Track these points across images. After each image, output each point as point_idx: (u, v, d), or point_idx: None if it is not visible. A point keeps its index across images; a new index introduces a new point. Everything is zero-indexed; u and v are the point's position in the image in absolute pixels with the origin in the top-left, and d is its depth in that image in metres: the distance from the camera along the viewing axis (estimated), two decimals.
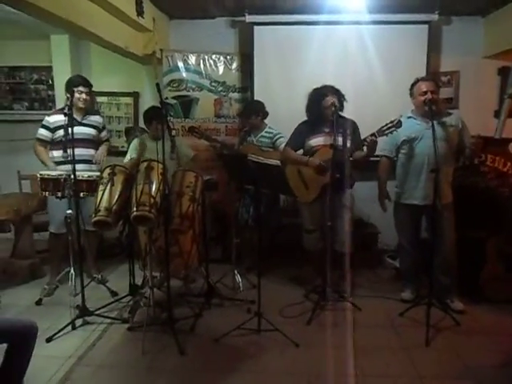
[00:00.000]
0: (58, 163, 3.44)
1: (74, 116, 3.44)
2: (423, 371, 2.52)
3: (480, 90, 4.43)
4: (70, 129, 2.95)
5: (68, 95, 3.35)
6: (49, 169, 3.37)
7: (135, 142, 3.85)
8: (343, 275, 3.39)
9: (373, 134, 3.10)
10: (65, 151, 3.02)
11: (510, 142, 3.97)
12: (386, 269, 4.19)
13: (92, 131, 3.63)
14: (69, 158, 2.95)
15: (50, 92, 4.89)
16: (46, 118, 3.54)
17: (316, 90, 3.38)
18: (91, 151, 3.62)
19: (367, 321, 3.13)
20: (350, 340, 2.82)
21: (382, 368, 2.57)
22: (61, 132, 3.36)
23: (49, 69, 4.74)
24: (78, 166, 3.25)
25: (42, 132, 3.53)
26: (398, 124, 3.02)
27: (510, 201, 3.78)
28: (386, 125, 3.05)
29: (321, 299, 3.24)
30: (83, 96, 3.48)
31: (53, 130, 3.49)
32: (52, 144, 3.54)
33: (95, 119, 3.68)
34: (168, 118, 3.73)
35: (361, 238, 4.04)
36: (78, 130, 3.45)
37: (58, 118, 3.43)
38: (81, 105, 3.50)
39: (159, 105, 2.84)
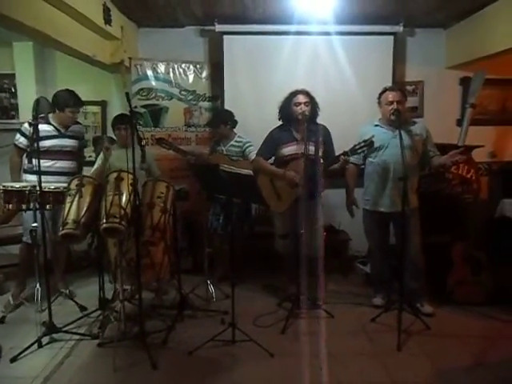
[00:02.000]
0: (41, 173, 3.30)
1: (58, 127, 3.46)
2: (396, 376, 2.56)
3: (443, 99, 4.60)
4: (36, 140, 2.88)
5: (56, 110, 3.35)
6: (16, 181, 3.28)
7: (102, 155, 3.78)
8: (315, 282, 3.41)
9: (345, 153, 3.15)
10: (30, 162, 2.94)
11: (472, 149, 4.12)
12: (357, 275, 4.25)
13: (73, 142, 3.57)
14: (34, 169, 2.87)
15: (12, 100, 4.72)
16: (25, 125, 3.41)
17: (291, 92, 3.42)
18: (72, 163, 3.56)
19: (340, 328, 3.16)
20: (324, 348, 2.83)
21: (356, 375, 2.59)
22: (46, 142, 3.32)
23: (11, 76, 4.58)
24: (61, 178, 3.30)
25: (21, 140, 3.42)
26: (371, 144, 3.09)
27: (473, 206, 3.93)
28: (359, 143, 3.12)
29: (294, 307, 3.24)
30: (75, 116, 3.46)
31: (30, 139, 3.36)
32: (27, 154, 3.44)
33: (77, 129, 3.63)
34: (137, 127, 3.71)
35: (332, 244, 4.10)
36: (60, 141, 3.47)
37: (40, 127, 3.29)
38: (70, 123, 3.48)
39: (128, 113, 2.79)
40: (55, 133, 3.43)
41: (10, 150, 3.51)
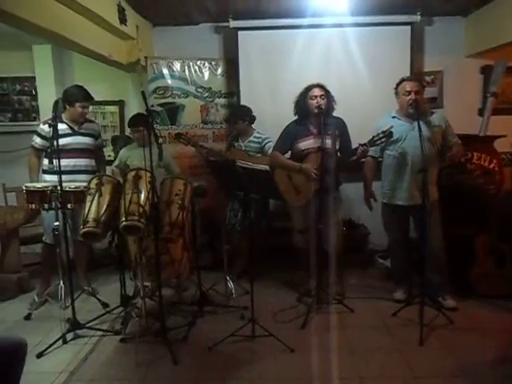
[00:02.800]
0: (54, 173, 3.35)
1: (71, 125, 3.47)
2: (418, 371, 2.52)
3: (463, 88, 4.49)
4: (55, 140, 2.90)
5: (67, 106, 3.35)
6: (32, 182, 3.33)
7: (122, 152, 3.84)
8: (335, 277, 3.39)
9: (364, 145, 3.11)
10: (50, 162, 2.99)
11: (494, 139, 4.03)
12: (377, 269, 4.20)
13: (89, 140, 3.57)
14: (55, 169, 2.91)
15: (33, 103, 4.83)
16: (41, 126, 3.46)
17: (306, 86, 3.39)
18: (89, 161, 3.58)
19: (360, 322, 3.14)
20: (345, 342, 2.83)
21: (377, 369, 2.57)
22: (60, 141, 3.20)
23: (32, 79, 4.69)
24: (77, 177, 3.33)
25: (37, 141, 3.46)
26: (390, 134, 3.04)
27: (496, 197, 3.83)
28: (378, 135, 3.07)
29: (314, 302, 3.23)
30: (85, 111, 3.46)
31: (49, 138, 3.40)
32: (46, 153, 3.49)
33: (92, 127, 3.63)
34: (154, 126, 3.76)
35: (351, 238, 4.06)
36: (74, 139, 3.48)
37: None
38: (81, 119, 3.49)
39: (145, 112, 2.82)
40: (68, 131, 3.44)
41: None
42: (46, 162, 3.51)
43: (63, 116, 3.46)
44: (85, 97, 3.42)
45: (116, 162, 3.91)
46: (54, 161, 2.90)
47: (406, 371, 2.53)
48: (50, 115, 3.00)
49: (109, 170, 3.91)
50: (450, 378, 2.48)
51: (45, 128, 3.41)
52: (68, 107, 3.40)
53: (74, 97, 3.38)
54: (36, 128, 3.55)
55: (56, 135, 2.92)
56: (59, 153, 2.90)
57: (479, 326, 3.03)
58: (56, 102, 2.97)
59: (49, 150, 3.45)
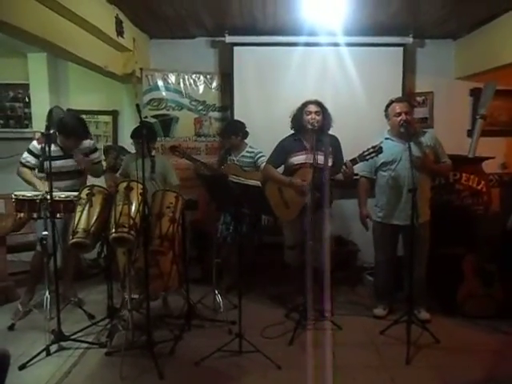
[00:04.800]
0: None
1: (63, 147, 3.38)
2: None
3: (453, 110, 4.58)
4: (48, 149, 2.88)
5: (62, 136, 3.25)
6: (37, 188, 3.24)
7: (125, 160, 3.83)
8: (323, 293, 3.39)
9: (353, 159, 3.15)
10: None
11: (483, 160, 4.10)
12: (365, 286, 4.21)
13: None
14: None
15: (26, 110, 4.80)
16: (34, 143, 3.37)
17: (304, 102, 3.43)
18: (80, 181, 3.53)
19: (348, 340, 3.14)
20: (331, 360, 2.81)
21: None
22: (56, 163, 3.23)
23: (25, 86, 4.67)
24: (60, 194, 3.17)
25: (28, 159, 3.37)
26: (379, 150, 3.08)
27: (484, 218, 3.88)
28: (368, 150, 3.10)
29: (302, 319, 3.22)
30: (78, 144, 3.39)
31: (39, 157, 3.32)
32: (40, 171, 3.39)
33: (85, 146, 3.53)
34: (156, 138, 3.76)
35: (341, 255, 4.07)
36: (66, 162, 3.40)
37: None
38: (73, 149, 3.40)
39: (139, 124, 2.83)
40: (60, 153, 3.35)
41: None
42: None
43: (57, 138, 3.36)
44: (81, 134, 3.35)
45: (120, 170, 3.90)
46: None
47: None
48: (43, 123, 2.94)
49: (100, 179, 3.90)
50: None
51: (38, 146, 3.32)
52: (62, 137, 3.31)
53: (71, 130, 3.29)
54: (28, 135, 3.53)
55: (49, 143, 2.90)
56: (50, 162, 2.88)
57: (465, 345, 3.05)
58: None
59: (37, 169, 3.36)
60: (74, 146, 3.39)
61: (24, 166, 3.38)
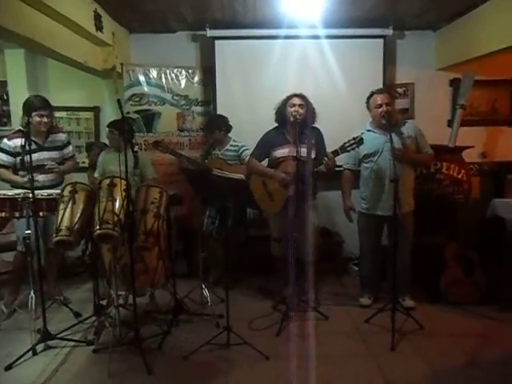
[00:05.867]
0: (21, 188, 3.23)
1: (35, 139, 3.33)
2: (391, 377, 2.58)
3: (434, 100, 4.63)
4: (27, 154, 2.84)
5: (26, 118, 3.17)
6: (17, 183, 3.26)
7: (101, 157, 3.79)
8: (310, 284, 3.43)
9: (335, 151, 3.17)
10: (22, 177, 2.94)
11: (463, 149, 4.17)
12: (350, 276, 4.27)
13: (54, 154, 3.49)
14: (27, 185, 2.85)
15: (4, 107, 4.72)
16: (5, 141, 3.34)
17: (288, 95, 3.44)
18: (52, 175, 3.48)
19: (334, 329, 3.18)
20: (319, 349, 2.85)
21: (351, 376, 2.61)
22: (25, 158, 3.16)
23: (3, 83, 4.57)
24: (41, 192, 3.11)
25: (2, 157, 3.33)
26: (360, 141, 3.10)
27: (464, 206, 3.96)
28: (349, 141, 3.13)
29: (289, 310, 3.25)
30: (44, 120, 3.33)
31: (15, 154, 3.31)
32: (13, 170, 3.38)
33: (57, 138, 3.54)
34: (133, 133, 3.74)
35: (326, 246, 4.11)
36: (40, 155, 3.37)
37: (19, 143, 3.20)
38: (42, 128, 3.37)
39: (121, 120, 2.81)
40: (34, 146, 3.27)
41: None
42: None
43: (21, 128, 3.33)
44: (40, 105, 3.30)
45: (97, 172, 3.82)
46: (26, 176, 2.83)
47: (378, 377, 2.58)
48: (16, 127, 2.91)
49: (82, 176, 3.86)
50: (422, 382, 2.54)
51: (10, 143, 3.31)
52: (27, 118, 3.21)
53: (31, 106, 3.27)
54: (7, 133, 3.47)
55: (28, 135, 2.89)
56: (25, 163, 2.86)
57: (449, 331, 3.12)
58: (26, 102, 2.92)
59: (12, 166, 3.37)
60: (42, 124, 3.33)
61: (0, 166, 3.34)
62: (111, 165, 3.48)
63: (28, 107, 3.28)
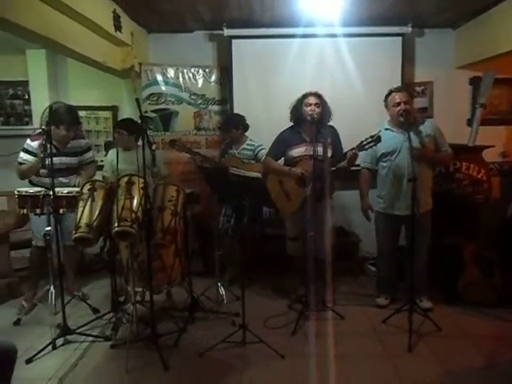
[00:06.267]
0: (42, 186, 3.27)
1: (55, 144, 3.35)
2: (407, 378, 2.55)
3: (453, 99, 4.57)
4: (49, 142, 2.91)
5: (52, 127, 3.15)
6: (34, 164, 3.29)
7: (108, 157, 3.83)
8: (326, 284, 3.42)
9: (353, 149, 3.15)
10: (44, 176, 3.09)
11: (483, 149, 4.10)
12: (367, 276, 4.24)
13: (73, 160, 3.52)
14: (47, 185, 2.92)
15: (26, 107, 4.82)
16: (28, 142, 3.38)
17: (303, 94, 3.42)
18: (69, 178, 3.53)
19: (350, 329, 3.17)
20: (335, 349, 2.84)
21: (367, 376, 2.60)
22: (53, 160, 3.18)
23: (25, 83, 4.67)
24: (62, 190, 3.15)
25: (25, 157, 3.37)
26: (378, 139, 3.07)
27: (484, 207, 3.89)
28: (366, 139, 3.10)
29: (304, 309, 3.25)
30: (70, 134, 3.38)
31: (36, 155, 3.34)
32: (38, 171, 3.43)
33: (77, 144, 3.55)
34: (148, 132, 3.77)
35: (342, 246, 4.09)
36: (58, 160, 3.35)
37: (38, 145, 3.30)
38: (65, 141, 3.42)
39: (139, 119, 2.84)
40: (53, 151, 3.25)
41: None
42: (33, 177, 3.46)
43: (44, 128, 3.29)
44: (71, 121, 3.32)
45: (105, 170, 3.86)
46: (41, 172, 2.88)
47: (394, 378, 2.56)
48: (38, 126, 2.93)
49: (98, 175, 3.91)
50: None
51: (33, 144, 3.35)
52: (53, 127, 3.25)
53: (60, 119, 3.28)
54: (28, 132, 3.53)
55: (49, 139, 2.93)
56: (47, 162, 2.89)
57: (467, 333, 3.07)
58: (50, 107, 2.97)
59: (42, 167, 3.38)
60: (66, 136, 3.37)
61: (21, 164, 3.39)
62: (121, 163, 3.47)
63: (58, 119, 3.27)
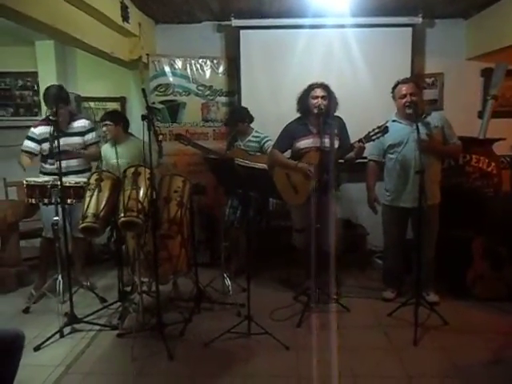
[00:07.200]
0: (49, 174, 3.36)
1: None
2: (412, 371, 2.54)
3: (464, 91, 4.50)
4: (55, 140, 2.91)
5: (54, 108, 3.17)
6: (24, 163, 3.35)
7: (102, 150, 3.84)
8: (332, 276, 3.41)
9: (360, 140, 3.12)
10: (51, 164, 3.07)
11: (493, 142, 4.04)
12: (374, 269, 4.21)
13: (77, 139, 3.55)
14: (55, 170, 2.93)
15: (35, 98, 4.85)
16: (32, 129, 3.45)
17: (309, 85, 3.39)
18: (80, 160, 3.58)
19: (356, 322, 3.16)
20: (340, 341, 2.83)
21: (372, 368, 2.59)
22: (48, 144, 3.31)
23: (34, 74, 4.70)
24: (67, 178, 3.19)
25: (29, 144, 3.45)
26: (385, 130, 3.03)
27: (494, 200, 3.85)
28: (373, 130, 3.06)
29: (310, 301, 3.25)
30: (65, 111, 3.40)
31: (40, 141, 3.43)
32: (42, 156, 3.50)
33: (80, 124, 3.59)
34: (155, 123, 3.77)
35: (349, 239, 4.08)
36: (63, 141, 3.30)
37: (44, 130, 3.38)
38: (63, 120, 3.43)
39: (146, 110, 2.83)
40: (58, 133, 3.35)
41: None
42: (44, 165, 3.52)
43: (50, 117, 3.35)
44: (55, 100, 3.24)
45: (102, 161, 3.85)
46: (55, 163, 2.91)
47: (400, 371, 2.55)
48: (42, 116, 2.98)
49: None
50: (444, 378, 2.50)
51: (35, 131, 3.42)
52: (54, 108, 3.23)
53: (46, 99, 3.32)
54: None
55: (56, 122, 2.99)
56: (60, 151, 2.91)
57: (474, 327, 3.05)
58: (48, 92, 2.98)
59: (44, 153, 3.47)
60: (61, 117, 3.33)
61: (24, 151, 3.46)
62: (114, 158, 3.48)
63: (45, 99, 3.34)
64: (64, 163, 3.33)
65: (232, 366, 2.61)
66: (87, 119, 3.75)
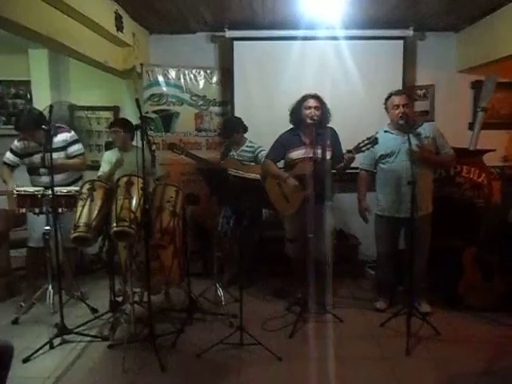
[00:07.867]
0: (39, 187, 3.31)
1: (35, 144, 3.42)
2: (404, 381, 2.54)
3: (454, 102, 4.56)
4: (49, 144, 3.00)
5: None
6: (8, 185, 3.38)
7: (107, 156, 3.84)
8: (325, 286, 3.41)
9: (350, 151, 3.14)
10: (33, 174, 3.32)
11: (484, 153, 4.09)
12: (366, 279, 4.22)
13: (60, 154, 3.49)
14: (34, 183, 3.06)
15: (28, 106, 4.82)
16: (15, 142, 3.50)
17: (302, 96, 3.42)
18: (64, 175, 3.55)
19: (349, 332, 3.15)
20: (332, 352, 2.83)
21: (364, 379, 2.58)
22: (32, 159, 3.41)
23: (27, 83, 4.69)
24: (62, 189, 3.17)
25: (9, 157, 3.51)
26: (375, 141, 3.06)
27: (485, 210, 3.88)
28: (363, 141, 3.09)
29: (303, 311, 3.24)
30: (34, 137, 3.38)
31: (21, 155, 3.47)
32: (29, 170, 3.55)
33: (61, 138, 3.53)
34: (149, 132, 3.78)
35: (342, 249, 4.08)
36: (38, 157, 3.38)
37: (23, 144, 3.44)
38: (35, 142, 3.44)
39: (139, 119, 2.83)
40: (38, 148, 3.35)
41: None
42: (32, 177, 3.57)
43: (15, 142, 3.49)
44: (26, 126, 3.28)
45: (102, 170, 3.82)
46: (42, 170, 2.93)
47: (392, 380, 2.55)
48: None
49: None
50: None
51: (18, 145, 3.47)
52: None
53: (17, 125, 3.32)
54: None
55: (49, 139, 2.95)
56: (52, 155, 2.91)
57: (466, 337, 3.06)
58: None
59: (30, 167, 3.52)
60: (35, 140, 3.39)
61: (6, 164, 3.50)
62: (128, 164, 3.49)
63: (17, 124, 3.34)
64: (44, 178, 3.38)
65: (224, 377, 2.59)
66: (69, 132, 3.64)
